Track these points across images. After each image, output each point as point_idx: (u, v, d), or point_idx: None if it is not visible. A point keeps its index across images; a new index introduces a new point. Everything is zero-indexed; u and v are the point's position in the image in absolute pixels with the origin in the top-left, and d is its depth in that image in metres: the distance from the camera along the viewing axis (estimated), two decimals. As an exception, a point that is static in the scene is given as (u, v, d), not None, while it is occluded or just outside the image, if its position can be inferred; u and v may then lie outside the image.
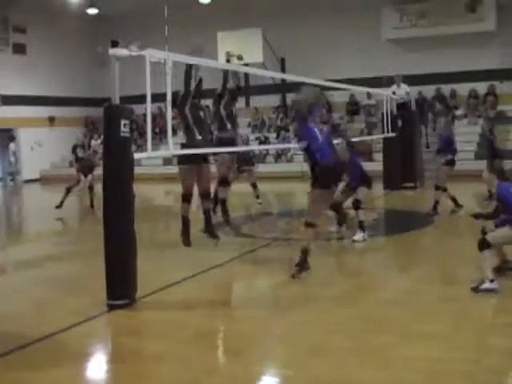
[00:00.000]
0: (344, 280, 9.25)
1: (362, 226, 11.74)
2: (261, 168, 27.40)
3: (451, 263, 10.24)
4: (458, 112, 25.68)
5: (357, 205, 11.77)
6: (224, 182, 13.22)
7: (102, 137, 8.85)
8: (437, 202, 14.35)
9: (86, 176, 17.32)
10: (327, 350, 6.24)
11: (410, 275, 9.57)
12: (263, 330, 7.08)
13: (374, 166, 23.53)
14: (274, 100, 30.50)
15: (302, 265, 9.22)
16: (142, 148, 23.74)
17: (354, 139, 14.78)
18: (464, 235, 12.85)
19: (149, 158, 9.95)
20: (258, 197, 17.92)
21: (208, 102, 30.75)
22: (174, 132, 9.27)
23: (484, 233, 8.16)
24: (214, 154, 12.83)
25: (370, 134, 26.01)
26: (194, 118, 10.43)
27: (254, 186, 17.96)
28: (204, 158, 10.75)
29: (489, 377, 5.51)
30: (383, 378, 5.54)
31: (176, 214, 17.39)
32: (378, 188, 20.26)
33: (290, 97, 30.17)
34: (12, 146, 30.73)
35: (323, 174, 9.12)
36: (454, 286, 8.83)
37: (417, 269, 9.99)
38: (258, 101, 30.64)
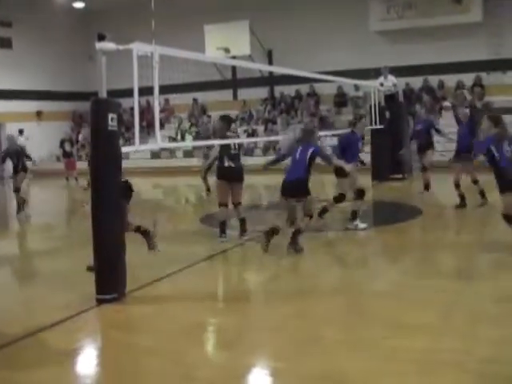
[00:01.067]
0: (334, 272, 9.24)
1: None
2: (249, 161, 27.55)
3: (440, 254, 10.27)
4: (446, 103, 25.71)
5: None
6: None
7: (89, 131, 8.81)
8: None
9: None
10: (318, 343, 6.24)
11: (399, 267, 9.60)
12: (253, 322, 7.09)
13: (363, 157, 23.59)
14: (261, 92, 30.50)
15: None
16: (129, 142, 23.71)
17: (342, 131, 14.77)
18: (452, 226, 12.92)
19: (137, 152, 9.89)
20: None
21: (197, 95, 30.78)
22: (162, 125, 9.24)
23: None
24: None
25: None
26: None
27: (17, 190, 16.39)
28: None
29: (480, 366, 5.51)
30: (374, 369, 5.54)
31: (164, 208, 17.42)
32: (367, 179, 20.31)
33: (278, 89, 30.36)
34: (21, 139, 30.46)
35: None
36: (443, 276, 8.83)
37: (406, 260, 10.02)
38: (245, 93, 30.63)
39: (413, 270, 9.15)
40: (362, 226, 12.17)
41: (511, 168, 9.35)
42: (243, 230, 11.80)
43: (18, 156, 15.88)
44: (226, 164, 11.55)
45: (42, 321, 7.07)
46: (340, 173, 11.85)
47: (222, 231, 11.51)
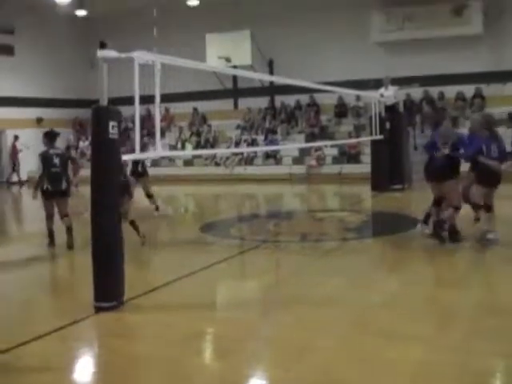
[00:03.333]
0: (331, 282, 9.24)
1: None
2: (249, 170, 27.64)
3: (438, 265, 10.29)
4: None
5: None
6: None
7: (89, 138, 8.81)
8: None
9: None
10: (314, 352, 6.25)
11: (396, 277, 9.61)
12: (250, 332, 7.09)
13: (362, 168, 23.69)
14: (262, 102, 30.53)
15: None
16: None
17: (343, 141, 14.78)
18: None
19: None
20: (157, 208, 16.50)
21: (197, 104, 30.86)
22: (163, 134, 9.27)
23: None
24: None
25: (358, 136, 26.08)
26: None
27: (149, 195, 16.55)
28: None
29: (475, 379, 5.52)
30: (369, 379, 5.56)
31: (163, 216, 17.42)
32: (366, 190, 20.37)
33: (279, 99, 30.41)
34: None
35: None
36: (440, 288, 8.87)
37: (404, 271, 10.03)
38: (246, 103, 30.66)
39: (410, 281, 9.15)
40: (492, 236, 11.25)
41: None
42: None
43: None
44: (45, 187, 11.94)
45: (39, 328, 7.06)
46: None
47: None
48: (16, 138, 29.77)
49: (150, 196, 16.27)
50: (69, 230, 12.04)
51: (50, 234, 12.26)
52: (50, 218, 12.20)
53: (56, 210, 12.19)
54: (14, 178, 30.18)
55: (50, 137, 12.37)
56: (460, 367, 5.75)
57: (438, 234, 11.11)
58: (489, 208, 11.09)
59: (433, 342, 6.39)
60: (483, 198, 11.12)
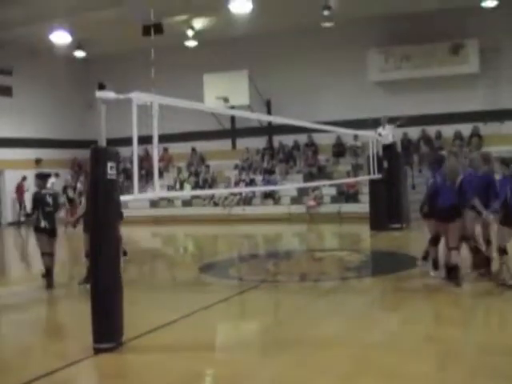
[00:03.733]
0: (331, 321, 9.19)
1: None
2: (247, 210, 27.63)
3: (437, 304, 10.24)
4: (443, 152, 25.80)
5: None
6: None
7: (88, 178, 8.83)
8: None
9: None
10: (315, 393, 6.20)
11: (396, 316, 9.55)
12: (250, 373, 7.03)
13: (361, 207, 23.70)
14: (260, 142, 30.59)
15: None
16: (128, 190, 23.76)
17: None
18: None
19: (135, 201, 9.94)
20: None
21: (195, 144, 30.95)
22: (161, 174, 9.27)
23: None
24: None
25: (356, 175, 26.12)
26: None
27: None
28: None
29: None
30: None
31: (162, 256, 17.38)
32: (365, 229, 20.35)
33: (277, 139, 30.51)
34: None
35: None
36: (440, 326, 8.82)
37: (404, 310, 9.97)
38: (244, 143, 30.72)
39: (411, 320, 9.11)
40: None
41: None
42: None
43: None
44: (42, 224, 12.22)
45: (38, 370, 7.00)
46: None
47: None
48: (24, 178, 29.68)
49: None
50: (49, 271, 12.24)
51: (48, 273, 12.30)
52: (46, 255, 12.34)
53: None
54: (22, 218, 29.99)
55: (42, 177, 12.77)
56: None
57: (453, 278, 10.96)
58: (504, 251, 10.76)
59: (434, 382, 6.34)
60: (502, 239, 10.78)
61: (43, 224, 12.23)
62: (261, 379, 6.81)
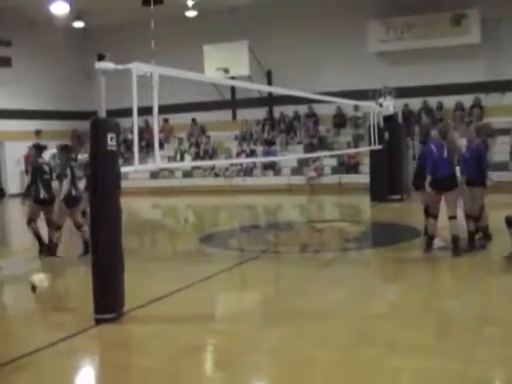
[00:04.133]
0: (332, 292, 9.21)
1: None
2: (248, 181, 27.62)
3: (437, 275, 10.27)
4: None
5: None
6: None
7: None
8: None
9: None
10: (316, 364, 6.22)
11: (396, 287, 9.59)
12: (251, 344, 7.05)
13: (361, 178, 23.70)
14: (260, 113, 30.50)
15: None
16: (128, 161, 23.71)
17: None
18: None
19: (136, 172, 9.93)
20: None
21: (196, 115, 30.83)
22: (161, 145, 9.24)
23: None
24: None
25: (356, 146, 26.07)
26: None
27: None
28: None
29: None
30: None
31: (163, 228, 17.39)
32: (365, 200, 20.35)
33: (277, 109, 30.42)
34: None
35: None
36: (440, 297, 8.84)
37: (403, 281, 9.99)
38: (244, 114, 30.62)
39: (410, 291, 9.13)
40: None
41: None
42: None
43: None
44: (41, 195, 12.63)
45: (39, 341, 7.03)
46: None
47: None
48: (31, 148, 29.54)
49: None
50: (51, 240, 12.61)
51: (38, 237, 12.87)
52: (34, 221, 12.85)
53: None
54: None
55: (39, 148, 13.40)
56: (461, 375, 5.74)
57: (454, 248, 10.99)
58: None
59: (433, 351, 6.37)
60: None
61: (42, 195, 12.59)
62: (262, 350, 6.83)
